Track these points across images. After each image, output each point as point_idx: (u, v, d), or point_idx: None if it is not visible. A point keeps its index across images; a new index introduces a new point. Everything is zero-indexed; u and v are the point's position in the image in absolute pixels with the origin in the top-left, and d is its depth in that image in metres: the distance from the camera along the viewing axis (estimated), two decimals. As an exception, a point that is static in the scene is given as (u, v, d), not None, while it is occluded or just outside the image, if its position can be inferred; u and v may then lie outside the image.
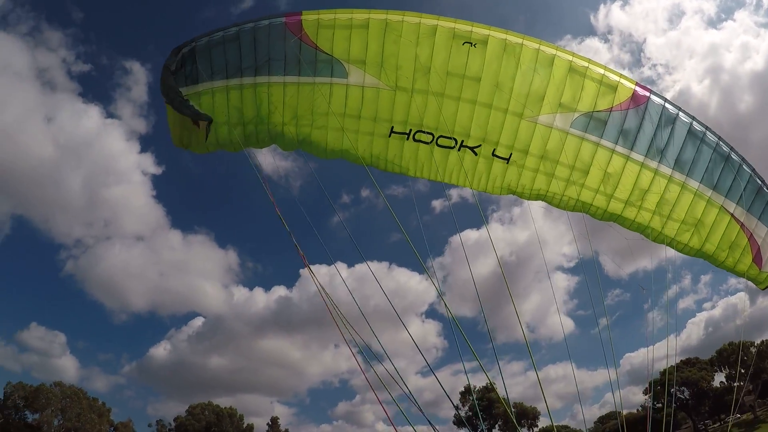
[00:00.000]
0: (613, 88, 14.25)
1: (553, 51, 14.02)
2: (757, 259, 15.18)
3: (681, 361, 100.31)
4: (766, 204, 14.74)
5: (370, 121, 14.42)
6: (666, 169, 14.52)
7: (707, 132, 14.47)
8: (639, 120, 14.31)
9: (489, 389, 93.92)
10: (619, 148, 14.47)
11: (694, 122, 14.47)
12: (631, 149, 14.46)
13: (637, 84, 14.43)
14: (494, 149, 14.64)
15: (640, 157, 14.50)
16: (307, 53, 13.75)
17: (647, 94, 14.39)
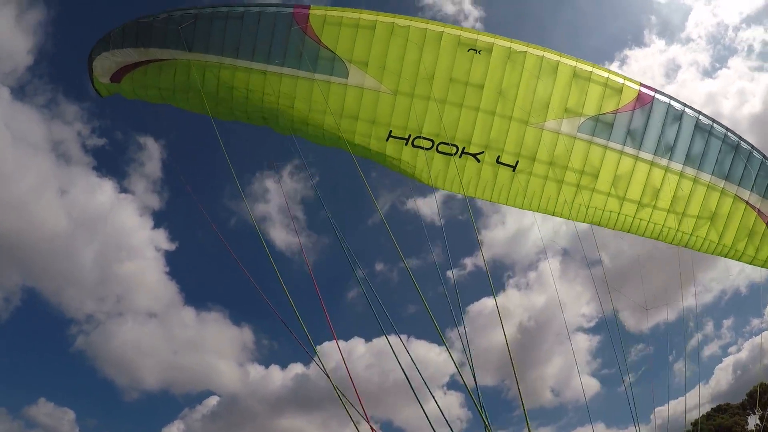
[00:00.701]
0: (618, 90, 14.48)
1: (557, 57, 14.27)
2: None
3: (712, 408, 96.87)
4: None
5: (368, 123, 14.57)
6: (677, 165, 14.61)
7: (714, 124, 14.61)
8: (645, 119, 14.47)
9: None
10: (627, 149, 14.60)
11: (701, 116, 14.62)
12: (640, 149, 14.56)
13: (641, 84, 14.56)
14: (498, 156, 14.72)
15: (649, 156, 14.62)
16: (309, 47, 13.92)
17: (652, 93, 14.59)
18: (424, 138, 14.69)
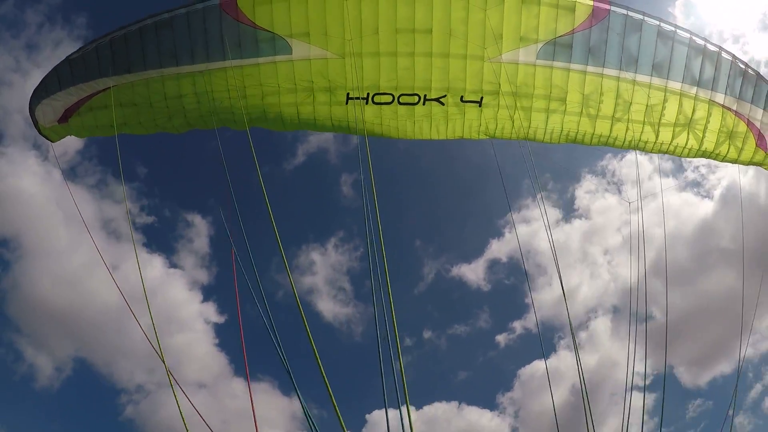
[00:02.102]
0: (571, 8, 13.99)
1: None
2: (761, 142, 14.55)
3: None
4: (755, 86, 14.17)
5: (324, 92, 14.36)
6: (644, 77, 14.14)
7: (678, 30, 14.05)
8: (604, 35, 13.99)
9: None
10: (590, 68, 14.18)
11: (662, 24, 14.07)
12: (604, 66, 14.15)
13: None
14: (462, 96, 14.51)
15: (614, 72, 14.18)
16: (245, 33, 13.59)
17: (607, 6, 14.08)
18: (383, 94, 14.53)
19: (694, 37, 14.05)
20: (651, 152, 14.92)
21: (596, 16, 14.02)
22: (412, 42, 13.86)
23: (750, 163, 14.98)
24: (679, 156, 14.97)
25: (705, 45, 14.02)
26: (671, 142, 14.67)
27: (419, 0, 13.53)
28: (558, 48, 14.04)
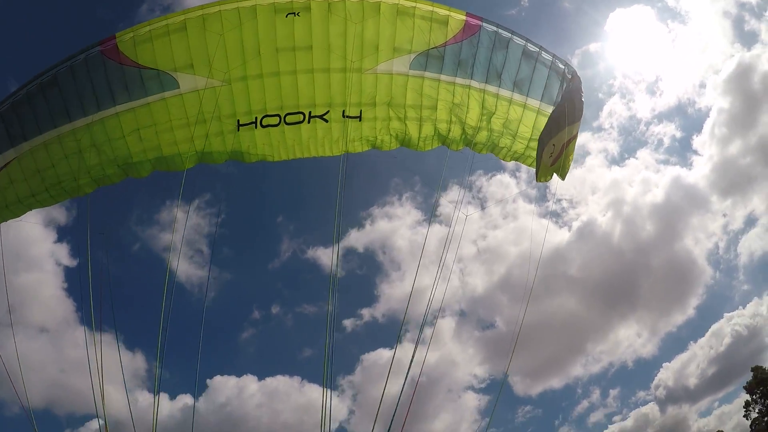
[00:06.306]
0: (444, 22, 14.44)
1: None
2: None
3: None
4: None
5: (215, 121, 14.41)
6: (506, 92, 15.03)
7: (542, 51, 14.88)
8: (474, 49, 14.61)
9: None
10: (459, 80, 14.86)
11: (529, 44, 14.83)
12: (471, 78, 14.87)
13: (467, 14, 14.57)
14: (344, 111, 14.86)
15: (480, 85, 14.94)
16: (131, 75, 13.58)
17: (479, 22, 14.64)
18: (270, 116, 14.69)
19: (556, 60, 14.94)
20: (504, 160, 16.12)
21: (468, 30, 14.62)
22: (293, 60, 14.00)
23: None
24: (529, 166, 16.26)
25: (565, 69, 14.97)
26: (524, 153, 15.94)
27: (297, 18, 13.57)
28: (430, 59, 14.56)
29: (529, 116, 15.29)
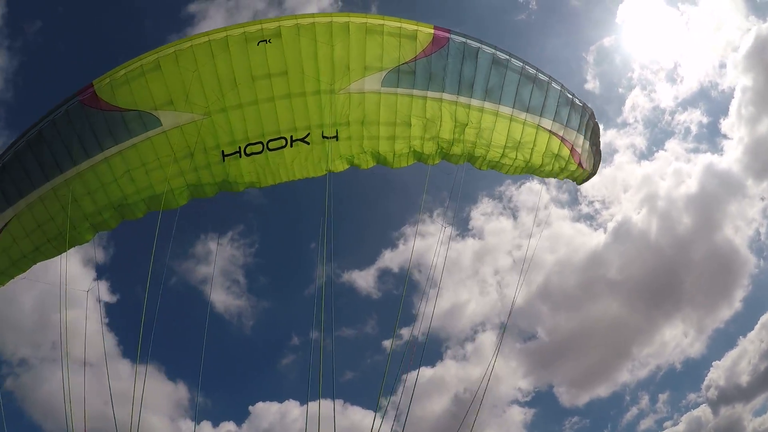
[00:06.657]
0: (413, 37, 14.36)
1: (346, 18, 13.90)
2: (581, 165, 16.42)
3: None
4: (581, 116, 15.72)
5: (201, 154, 14.42)
6: (477, 102, 15.03)
7: (512, 59, 14.97)
8: (444, 61, 14.57)
9: None
10: (431, 93, 14.79)
11: (498, 52, 14.89)
12: (443, 91, 14.83)
13: (435, 27, 14.52)
14: (322, 132, 14.83)
15: (452, 97, 14.90)
16: (113, 120, 13.68)
17: (447, 35, 14.61)
18: (253, 143, 14.67)
19: (526, 66, 15.06)
20: (481, 168, 16.21)
21: (436, 43, 14.58)
22: (270, 86, 13.94)
23: (570, 177, 16.85)
24: (507, 173, 16.44)
25: (536, 74, 15.11)
26: (499, 160, 15.98)
27: (269, 44, 13.52)
28: (402, 75, 14.45)
29: (502, 124, 15.35)
